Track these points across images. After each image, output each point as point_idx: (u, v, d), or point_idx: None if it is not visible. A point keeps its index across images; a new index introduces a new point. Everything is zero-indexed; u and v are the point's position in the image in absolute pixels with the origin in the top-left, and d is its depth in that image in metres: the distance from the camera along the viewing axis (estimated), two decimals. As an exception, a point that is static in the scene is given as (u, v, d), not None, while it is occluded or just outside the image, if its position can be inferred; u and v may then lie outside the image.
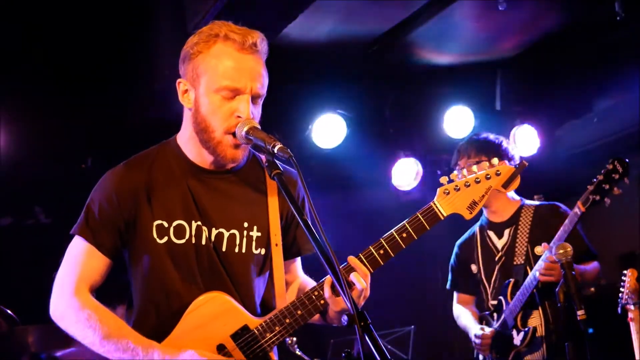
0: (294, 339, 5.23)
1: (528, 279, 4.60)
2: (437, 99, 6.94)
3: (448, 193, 2.88)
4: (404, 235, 2.81)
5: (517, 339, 4.74)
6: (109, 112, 6.29)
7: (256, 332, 2.77)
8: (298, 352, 5.20)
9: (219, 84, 2.72)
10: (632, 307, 4.45)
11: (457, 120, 6.90)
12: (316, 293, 2.77)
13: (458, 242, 5.24)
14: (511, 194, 4.98)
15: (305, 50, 5.82)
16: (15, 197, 6.51)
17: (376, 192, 7.36)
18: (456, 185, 2.89)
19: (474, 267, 5.07)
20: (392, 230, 2.82)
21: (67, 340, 4.00)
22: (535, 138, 6.89)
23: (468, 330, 5.04)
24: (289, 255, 3.03)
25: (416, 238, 2.82)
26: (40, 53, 5.78)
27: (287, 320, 2.77)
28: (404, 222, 2.83)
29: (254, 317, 2.80)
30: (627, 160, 4.30)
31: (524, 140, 6.88)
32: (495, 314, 4.90)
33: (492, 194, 4.68)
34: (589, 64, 6.28)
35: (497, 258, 4.92)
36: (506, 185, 2.93)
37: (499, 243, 4.95)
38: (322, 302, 2.76)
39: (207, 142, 2.78)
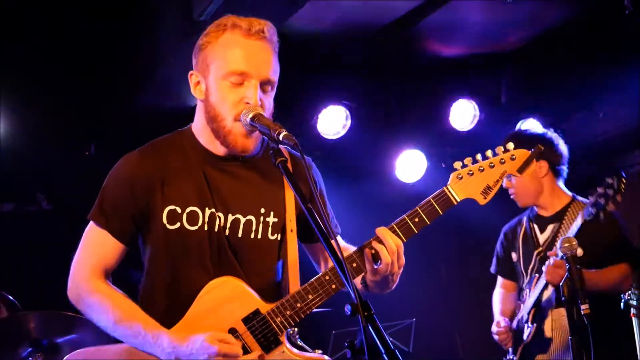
0: (296, 329, 5.22)
1: (542, 278, 4.57)
2: (442, 91, 6.91)
3: (461, 178, 2.85)
4: (416, 220, 2.78)
5: (525, 333, 4.74)
6: (113, 99, 6.27)
7: (267, 316, 2.76)
8: (300, 342, 5.19)
9: (227, 69, 2.74)
10: (634, 302, 4.44)
11: (463, 113, 6.88)
12: (327, 277, 2.76)
13: (504, 227, 5.20)
14: (563, 187, 4.94)
15: (311, 40, 5.79)
16: (18, 183, 6.51)
17: (380, 184, 7.34)
18: (470, 170, 2.86)
19: (514, 255, 5.04)
20: (404, 215, 2.80)
21: (68, 326, 4.00)
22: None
23: None
24: (313, 239, 3.06)
25: (429, 223, 2.80)
26: (42, 39, 5.77)
27: (299, 305, 2.75)
28: (416, 207, 2.81)
29: (266, 302, 2.80)
30: (624, 177, 4.32)
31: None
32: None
33: (543, 185, 4.75)
34: (595, 58, 6.24)
35: (536, 252, 4.86)
36: (521, 170, 2.90)
37: (541, 237, 4.89)
38: (333, 286, 2.75)
39: (218, 132, 2.79)
